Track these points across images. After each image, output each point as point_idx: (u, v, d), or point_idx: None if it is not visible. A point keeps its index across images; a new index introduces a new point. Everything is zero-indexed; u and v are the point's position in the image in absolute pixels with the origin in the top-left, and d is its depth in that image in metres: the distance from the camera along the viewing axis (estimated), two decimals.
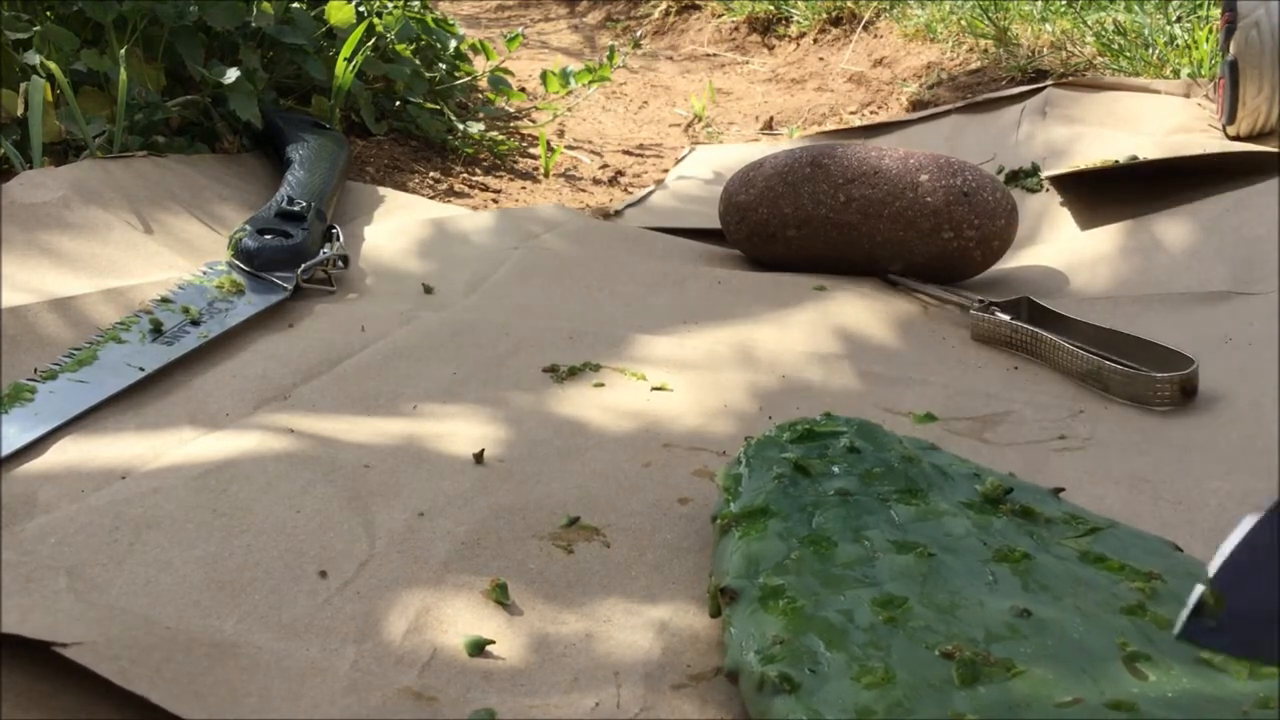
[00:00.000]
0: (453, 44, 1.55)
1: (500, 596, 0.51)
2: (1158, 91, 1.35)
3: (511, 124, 1.59)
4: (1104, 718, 0.40)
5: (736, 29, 2.22)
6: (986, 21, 1.70)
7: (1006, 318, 0.83)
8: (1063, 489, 0.57)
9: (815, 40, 2.04)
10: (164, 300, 0.81)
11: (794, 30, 2.11)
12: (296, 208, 0.95)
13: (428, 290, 0.92)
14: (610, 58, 1.58)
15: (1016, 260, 1.02)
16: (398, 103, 1.41)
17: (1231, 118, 1.18)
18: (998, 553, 0.50)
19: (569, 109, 1.70)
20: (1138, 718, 0.40)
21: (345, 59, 1.24)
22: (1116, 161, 1.10)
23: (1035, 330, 0.80)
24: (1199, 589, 0.39)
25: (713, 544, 0.54)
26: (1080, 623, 0.45)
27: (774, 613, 0.46)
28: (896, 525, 0.52)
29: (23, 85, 1.02)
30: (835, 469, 0.56)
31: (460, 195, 1.25)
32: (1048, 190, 1.14)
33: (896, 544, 0.50)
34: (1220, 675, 0.42)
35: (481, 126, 1.45)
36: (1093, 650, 0.43)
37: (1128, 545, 0.51)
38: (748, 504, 0.54)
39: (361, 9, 1.38)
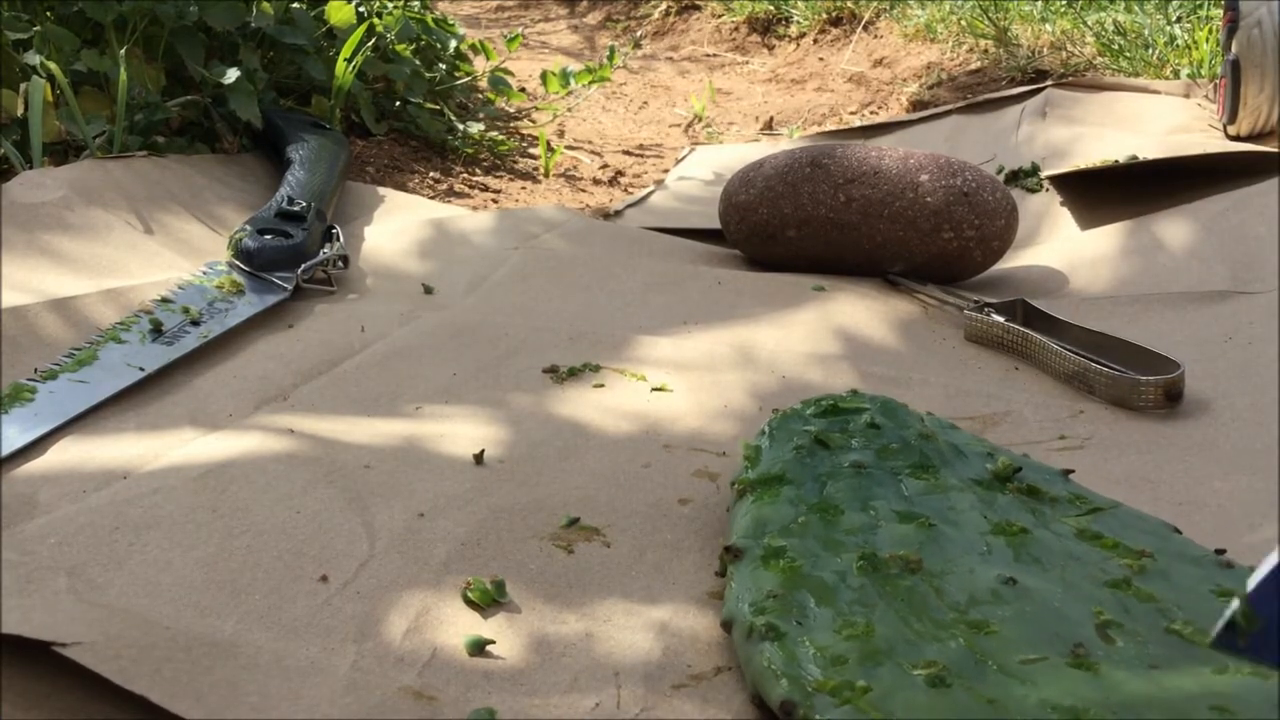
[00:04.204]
0: (453, 44, 1.55)
1: (483, 598, 0.51)
2: (1158, 92, 1.35)
3: (511, 124, 1.59)
4: (1065, 675, 0.42)
5: (736, 29, 2.22)
6: (986, 21, 1.70)
7: (1000, 319, 0.83)
8: (1072, 470, 0.58)
9: (815, 40, 2.04)
10: (164, 300, 0.81)
11: (794, 30, 2.10)
12: (296, 208, 0.95)
13: (428, 290, 0.92)
14: (610, 58, 1.58)
15: (1017, 260, 1.02)
16: (398, 103, 1.41)
17: (1233, 117, 1.18)
18: (996, 526, 0.52)
19: (569, 109, 1.70)
20: (1097, 678, 0.41)
21: (345, 59, 1.24)
22: (1116, 161, 1.10)
23: (1025, 331, 0.80)
24: (1234, 604, 0.40)
25: (729, 508, 0.56)
26: (1061, 592, 0.47)
27: (773, 570, 0.49)
28: (904, 497, 0.54)
29: (23, 85, 1.02)
30: (854, 443, 0.58)
31: (460, 195, 1.25)
32: (1048, 190, 1.13)
33: (900, 514, 0.52)
34: (1186, 645, 0.44)
35: (481, 127, 1.45)
36: (1068, 616, 0.45)
37: (1126, 525, 0.53)
38: (765, 471, 0.56)
39: (361, 9, 1.38)
